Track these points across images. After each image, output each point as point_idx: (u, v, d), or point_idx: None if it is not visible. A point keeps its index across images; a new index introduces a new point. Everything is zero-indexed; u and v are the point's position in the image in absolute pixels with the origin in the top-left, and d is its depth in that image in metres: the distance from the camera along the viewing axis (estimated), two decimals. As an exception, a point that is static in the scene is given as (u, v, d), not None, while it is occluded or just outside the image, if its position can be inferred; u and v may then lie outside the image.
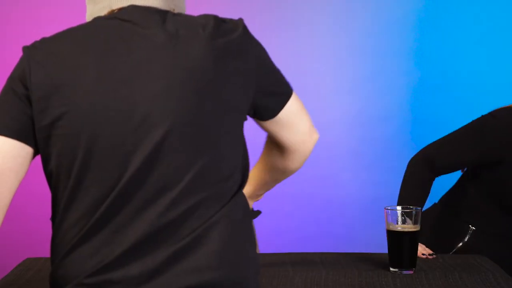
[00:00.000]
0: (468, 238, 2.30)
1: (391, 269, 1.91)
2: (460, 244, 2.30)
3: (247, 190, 1.71)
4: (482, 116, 2.27)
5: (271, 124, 1.49)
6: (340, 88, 3.60)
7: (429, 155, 2.27)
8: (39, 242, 3.21)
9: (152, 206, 1.32)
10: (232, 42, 1.37)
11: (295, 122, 1.50)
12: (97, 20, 1.39)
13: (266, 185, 1.70)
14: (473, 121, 2.29)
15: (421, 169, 2.26)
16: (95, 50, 1.34)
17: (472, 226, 2.30)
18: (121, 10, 1.39)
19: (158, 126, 1.31)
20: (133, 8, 1.38)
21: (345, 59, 3.59)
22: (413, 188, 2.24)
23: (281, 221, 3.54)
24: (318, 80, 3.59)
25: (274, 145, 1.56)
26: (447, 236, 2.33)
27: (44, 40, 1.38)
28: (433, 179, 2.29)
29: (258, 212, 1.60)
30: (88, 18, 1.44)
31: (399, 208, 1.93)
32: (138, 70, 1.32)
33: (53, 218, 1.38)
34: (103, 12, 1.40)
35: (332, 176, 3.57)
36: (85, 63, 1.33)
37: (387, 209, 1.93)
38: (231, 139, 1.38)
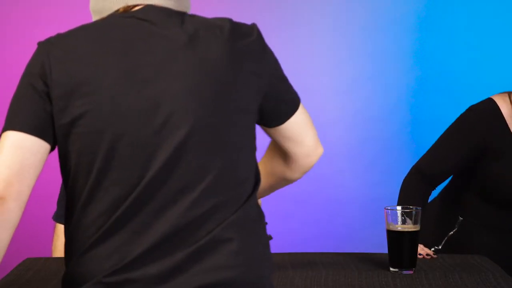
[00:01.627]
0: (457, 228, 2.30)
1: (391, 269, 1.91)
2: (451, 233, 2.30)
3: None
4: (460, 115, 2.30)
5: (276, 132, 1.49)
6: (340, 88, 3.60)
7: (420, 168, 2.30)
8: (39, 242, 3.21)
9: (172, 206, 1.32)
10: (248, 46, 1.38)
11: (300, 134, 1.50)
12: (112, 17, 1.39)
13: (267, 192, 1.68)
14: (452, 122, 2.31)
15: (415, 183, 2.28)
16: (115, 48, 1.34)
17: (461, 217, 2.31)
18: (138, 9, 1.38)
19: (180, 127, 1.32)
20: (150, 7, 1.38)
21: (344, 59, 3.59)
22: (409, 201, 2.24)
23: (281, 221, 3.54)
24: (317, 80, 3.58)
25: (278, 152, 1.55)
26: (440, 229, 2.33)
27: (60, 37, 1.37)
28: (430, 192, 2.30)
29: (269, 237, 1.59)
30: (97, 9, 1.42)
31: (399, 208, 1.93)
32: (160, 70, 1.33)
33: (68, 217, 1.37)
34: (116, 6, 1.40)
35: (332, 176, 3.57)
36: (105, 62, 1.32)
37: (387, 209, 1.93)
38: (246, 141, 1.39)
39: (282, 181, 1.61)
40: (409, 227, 1.91)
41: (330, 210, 3.61)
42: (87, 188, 1.33)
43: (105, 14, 1.42)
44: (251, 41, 1.39)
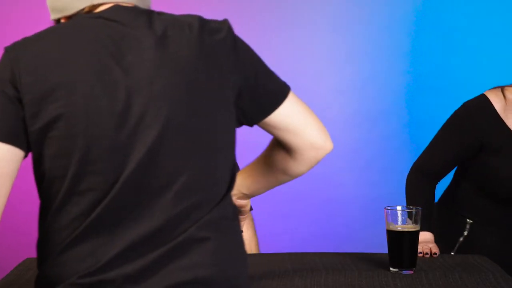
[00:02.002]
0: (468, 232, 2.31)
1: (391, 269, 1.91)
2: (461, 238, 2.31)
3: (239, 183, 1.65)
4: (454, 111, 2.31)
5: (268, 125, 1.47)
6: (339, 88, 3.60)
7: (419, 166, 2.32)
8: (39, 242, 3.21)
9: (148, 208, 1.32)
10: (218, 42, 1.37)
11: (298, 125, 1.47)
12: (80, 18, 1.37)
13: (259, 186, 1.64)
14: (448, 118, 2.32)
15: (417, 181, 2.29)
16: (86, 51, 1.32)
17: (469, 219, 2.32)
18: (105, 9, 1.37)
19: (152, 128, 1.31)
20: (117, 7, 1.37)
21: (343, 60, 3.59)
22: (416, 199, 2.25)
23: (281, 221, 3.54)
24: (316, 80, 3.59)
25: (280, 145, 1.52)
26: (449, 233, 2.34)
27: (28, 40, 1.35)
28: (434, 187, 2.31)
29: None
30: (58, 6, 1.40)
31: (399, 208, 1.93)
32: (131, 72, 1.32)
33: (42, 219, 1.37)
34: (81, 5, 1.38)
35: (332, 176, 3.57)
36: (76, 65, 1.31)
37: (387, 209, 1.93)
38: (222, 139, 1.38)
39: (284, 176, 1.58)
40: (409, 227, 1.91)
41: (330, 210, 3.61)
42: (62, 191, 1.32)
43: (67, 13, 1.40)
44: (222, 37, 1.38)
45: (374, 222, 2.99)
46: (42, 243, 1.36)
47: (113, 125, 1.30)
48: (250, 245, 2.43)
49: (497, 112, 2.25)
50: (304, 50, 3.58)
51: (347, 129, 3.59)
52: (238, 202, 1.65)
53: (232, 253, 1.39)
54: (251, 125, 1.47)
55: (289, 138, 1.48)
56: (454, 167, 2.36)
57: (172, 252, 1.32)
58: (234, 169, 1.42)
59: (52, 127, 1.30)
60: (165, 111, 1.31)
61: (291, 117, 1.46)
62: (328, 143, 1.51)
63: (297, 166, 1.53)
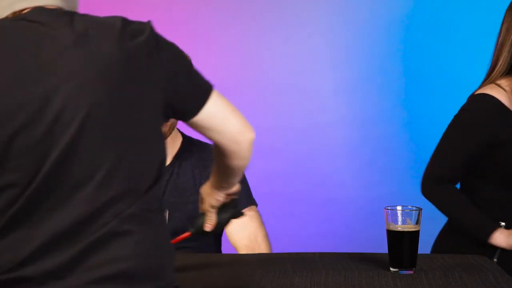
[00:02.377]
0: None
1: (391, 269, 1.91)
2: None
3: (210, 180, 1.77)
4: (455, 116, 2.32)
5: (195, 125, 1.50)
6: (339, 88, 3.60)
7: (436, 176, 2.31)
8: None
9: (67, 202, 1.34)
10: (140, 43, 1.39)
11: (219, 123, 1.51)
12: (2, 21, 1.40)
13: (221, 178, 1.71)
14: (452, 124, 2.31)
15: (442, 188, 2.28)
16: (5, 50, 1.35)
17: (502, 222, 2.30)
18: (27, 11, 1.40)
19: (71, 123, 1.33)
20: (40, 9, 1.40)
21: (343, 60, 3.59)
22: (459, 208, 2.25)
23: (281, 221, 3.54)
24: (317, 80, 3.59)
25: (215, 144, 1.58)
26: (485, 243, 2.30)
27: None
28: (455, 186, 2.31)
29: (241, 213, 1.73)
30: None
31: (399, 208, 1.93)
32: (50, 69, 1.34)
33: None
34: (4, 13, 1.41)
35: (332, 176, 3.57)
36: None
37: (387, 209, 1.93)
38: (146, 135, 1.40)
39: (234, 169, 1.63)
40: (409, 227, 1.91)
41: (330, 210, 3.61)
42: None
43: None
44: (144, 38, 1.39)
45: (374, 222, 2.98)
46: None
47: (31, 121, 1.32)
48: (255, 236, 2.43)
49: (503, 104, 2.26)
50: (304, 50, 3.57)
51: (347, 129, 3.59)
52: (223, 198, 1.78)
53: (156, 245, 1.40)
54: (184, 121, 1.50)
55: (213, 136, 1.53)
56: (466, 169, 2.35)
57: (93, 247, 1.34)
58: (161, 164, 1.44)
59: None
60: (84, 107, 1.34)
61: (214, 117, 1.49)
62: (248, 134, 1.55)
63: (232, 161, 1.59)
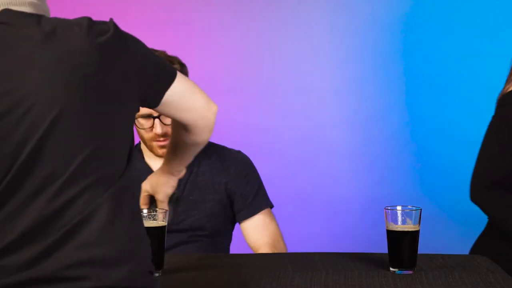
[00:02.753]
0: None
1: (391, 269, 1.91)
2: None
3: (163, 168, 1.90)
4: (494, 117, 2.28)
5: (163, 108, 1.59)
6: (339, 88, 3.60)
7: (482, 180, 2.27)
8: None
9: (42, 194, 1.38)
10: (107, 40, 1.44)
11: (187, 101, 1.62)
12: None
13: (182, 160, 1.85)
14: (490, 128, 2.28)
15: (491, 194, 2.26)
16: None
17: None
18: None
19: (44, 116, 1.37)
20: (7, 11, 1.45)
21: (344, 60, 3.59)
22: (508, 211, 2.23)
23: (281, 221, 3.53)
24: (317, 80, 3.59)
25: (178, 124, 1.69)
26: None
27: None
28: (504, 191, 2.28)
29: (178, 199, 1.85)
30: None
31: (399, 208, 1.93)
32: (20, 65, 1.39)
33: None
34: None
35: (332, 176, 3.57)
36: None
37: (387, 209, 1.93)
38: (116, 126, 1.46)
39: (195, 146, 1.77)
40: (409, 227, 1.91)
41: (330, 210, 3.61)
42: None
43: None
44: (110, 36, 1.46)
45: (374, 222, 2.99)
46: None
47: (2, 114, 1.36)
48: (276, 235, 2.51)
49: None
50: (304, 50, 3.58)
51: (347, 129, 3.59)
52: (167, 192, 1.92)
53: (128, 231, 1.44)
54: (153, 107, 1.59)
55: (182, 116, 1.64)
56: None
57: (68, 233, 1.37)
58: (131, 149, 1.50)
59: None
60: (56, 100, 1.38)
61: (181, 96, 1.60)
62: (213, 107, 1.67)
63: (198, 137, 1.71)
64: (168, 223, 1.91)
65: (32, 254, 1.36)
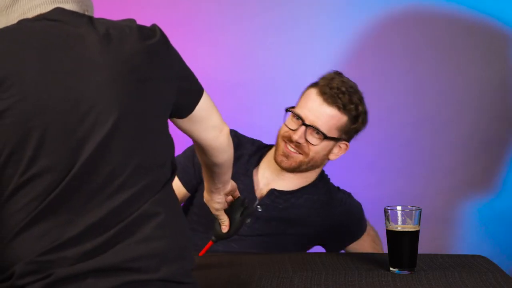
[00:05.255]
0: None
1: (391, 269, 1.92)
2: None
3: (205, 186, 1.87)
4: None
5: (187, 121, 1.60)
6: (340, 88, 3.59)
7: None
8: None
9: (103, 190, 1.40)
10: (154, 45, 1.47)
11: (206, 117, 1.62)
12: (23, 21, 1.45)
13: (215, 179, 1.82)
14: None
15: None
16: (34, 45, 1.40)
17: None
18: (46, 12, 1.45)
19: (107, 114, 1.40)
20: (59, 10, 1.46)
21: (344, 60, 3.59)
22: None
23: (281, 221, 3.54)
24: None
25: (196, 146, 1.70)
26: None
27: None
28: None
29: (252, 209, 1.80)
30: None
31: (399, 208, 1.93)
32: (80, 63, 1.40)
33: None
34: (15, 21, 1.46)
35: (332, 176, 3.57)
36: (26, 58, 1.38)
37: (387, 209, 1.93)
38: (163, 129, 1.50)
39: (219, 166, 1.75)
40: (409, 227, 1.91)
41: (330, 210, 3.60)
42: (16, 176, 1.38)
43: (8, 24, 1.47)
44: (157, 40, 1.48)
45: (374, 222, 2.99)
46: None
47: (65, 111, 1.38)
48: (378, 240, 2.55)
49: None
50: (304, 50, 3.57)
51: (347, 129, 3.58)
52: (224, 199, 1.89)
53: (180, 228, 1.50)
54: (183, 117, 1.59)
55: (197, 132, 1.63)
56: None
57: (129, 228, 1.42)
58: (174, 158, 1.55)
59: (5, 115, 1.36)
60: (118, 99, 1.41)
61: (202, 111, 1.61)
62: (225, 128, 1.67)
63: (215, 159, 1.71)
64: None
65: (94, 246, 1.39)
